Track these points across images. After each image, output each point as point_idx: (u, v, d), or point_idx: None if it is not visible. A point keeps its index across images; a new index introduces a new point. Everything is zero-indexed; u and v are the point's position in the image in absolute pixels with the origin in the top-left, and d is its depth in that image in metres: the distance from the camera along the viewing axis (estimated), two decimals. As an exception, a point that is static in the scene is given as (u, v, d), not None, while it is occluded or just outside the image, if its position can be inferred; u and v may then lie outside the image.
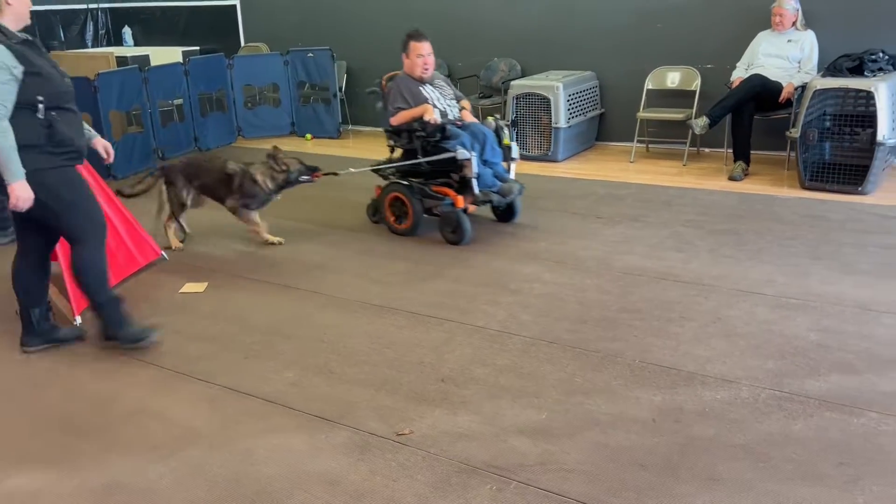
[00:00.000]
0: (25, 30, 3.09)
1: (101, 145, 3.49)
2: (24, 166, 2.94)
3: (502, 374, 3.01)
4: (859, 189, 5.19)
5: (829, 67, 5.50)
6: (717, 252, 4.22)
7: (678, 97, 6.57)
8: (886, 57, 5.37)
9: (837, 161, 5.43)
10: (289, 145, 7.75)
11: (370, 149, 7.56)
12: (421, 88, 4.77)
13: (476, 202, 4.53)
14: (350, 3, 8.27)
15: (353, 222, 5.08)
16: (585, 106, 6.83)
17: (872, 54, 5.35)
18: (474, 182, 4.42)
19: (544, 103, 6.49)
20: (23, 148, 2.93)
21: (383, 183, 4.90)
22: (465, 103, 5.04)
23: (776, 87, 5.69)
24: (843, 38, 5.73)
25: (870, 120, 5.13)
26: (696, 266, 4.02)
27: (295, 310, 3.76)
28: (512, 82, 6.78)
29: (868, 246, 4.20)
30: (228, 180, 4.58)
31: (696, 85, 6.43)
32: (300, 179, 4.64)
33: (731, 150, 5.99)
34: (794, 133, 5.38)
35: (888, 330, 3.20)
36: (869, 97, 5.12)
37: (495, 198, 4.57)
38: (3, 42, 2.88)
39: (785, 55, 5.83)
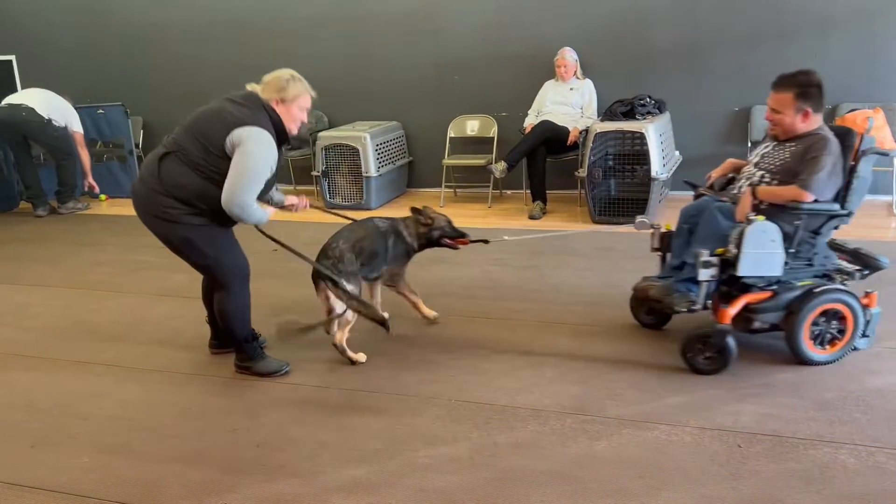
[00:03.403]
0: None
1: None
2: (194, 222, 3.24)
3: (321, 431, 2.93)
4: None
5: (607, 112, 6.09)
6: (523, 288, 4.45)
7: (479, 144, 6.95)
8: (653, 101, 6.05)
9: (622, 196, 5.99)
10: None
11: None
12: None
13: None
14: (142, 57, 7.95)
15: (148, 284, 4.78)
16: (394, 155, 7.01)
17: (641, 99, 5.99)
18: None
19: (353, 153, 6.58)
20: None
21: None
22: None
23: (563, 132, 6.19)
24: (616, 85, 6.39)
25: (644, 158, 5.72)
26: (503, 303, 4.21)
27: (90, 387, 3.44)
28: (319, 134, 6.81)
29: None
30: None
31: (493, 132, 6.85)
32: (442, 242, 3.82)
33: (529, 191, 6.40)
34: (582, 173, 5.88)
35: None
36: (642, 138, 5.72)
37: None
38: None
39: (569, 102, 6.37)
